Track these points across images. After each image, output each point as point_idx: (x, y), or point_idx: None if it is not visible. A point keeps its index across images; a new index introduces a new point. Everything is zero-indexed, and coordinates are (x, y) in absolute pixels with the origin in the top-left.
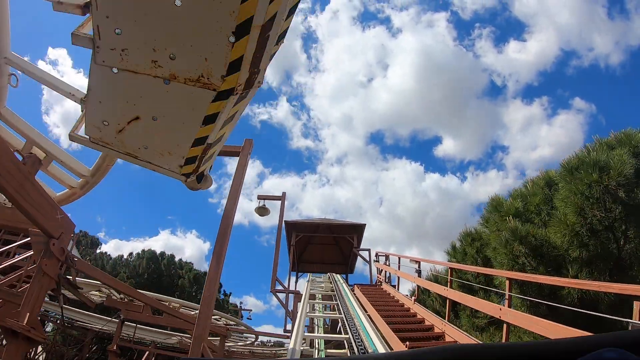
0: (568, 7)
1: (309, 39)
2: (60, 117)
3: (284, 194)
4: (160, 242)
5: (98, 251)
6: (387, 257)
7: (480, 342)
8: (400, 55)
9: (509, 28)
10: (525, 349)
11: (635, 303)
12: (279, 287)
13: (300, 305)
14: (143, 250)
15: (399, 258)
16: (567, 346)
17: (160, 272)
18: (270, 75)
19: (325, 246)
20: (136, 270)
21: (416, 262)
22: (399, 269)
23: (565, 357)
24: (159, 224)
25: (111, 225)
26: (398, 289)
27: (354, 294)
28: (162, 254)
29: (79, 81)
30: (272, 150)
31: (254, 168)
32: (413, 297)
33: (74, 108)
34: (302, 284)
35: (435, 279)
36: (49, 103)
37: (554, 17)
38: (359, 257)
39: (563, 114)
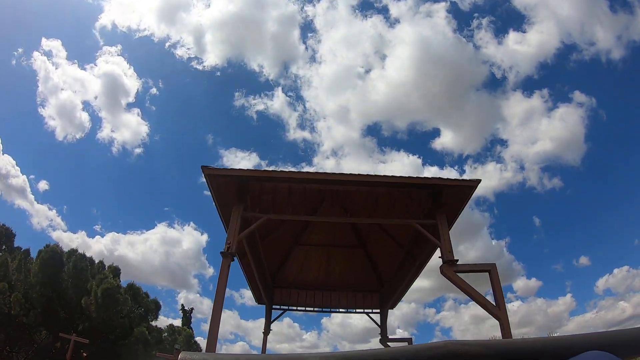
0: None
1: (307, 29)
2: (55, 109)
3: None
4: (157, 235)
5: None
6: None
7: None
8: (399, 46)
9: (508, 19)
10: (516, 345)
11: None
12: None
13: None
14: (47, 245)
15: None
16: (554, 345)
17: (63, 281)
18: (268, 67)
19: (334, 250)
20: (26, 279)
21: None
22: None
23: (553, 357)
24: (155, 216)
25: (107, 218)
26: None
27: None
28: (72, 252)
29: (73, 72)
30: (269, 141)
31: (250, 160)
32: None
33: (70, 100)
34: None
35: None
36: (44, 95)
37: (555, 8)
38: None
39: (563, 107)
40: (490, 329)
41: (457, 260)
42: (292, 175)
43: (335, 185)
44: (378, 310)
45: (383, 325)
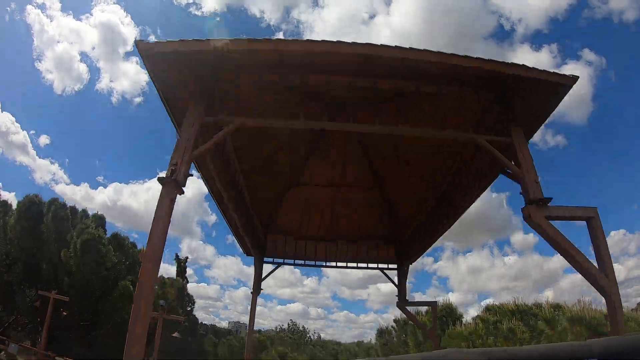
0: None
1: None
2: (52, 63)
3: None
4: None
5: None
6: None
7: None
8: None
9: None
10: (515, 354)
11: None
12: None
13: None
14: (26, 196)
15: None
16: (553, 353)
17: (43, 234)
18: (269, 12)
19: (343, 191)
20: (5, 234)
21: None
22: None
23: None
24: (157, 164)
25: (110, 168)
26: None
27: None
28: (53, 202)
29: (69, 24)
30: None
31: None
32: None
33: (66, 52)
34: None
35: None
36: (40, 49)
37: None
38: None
39: (572, 64)
40: (485, 281)
41: (551, 199)
42: (287, 47)
43: (360, 78)
44: (395, 266)
45: (401, 284)
